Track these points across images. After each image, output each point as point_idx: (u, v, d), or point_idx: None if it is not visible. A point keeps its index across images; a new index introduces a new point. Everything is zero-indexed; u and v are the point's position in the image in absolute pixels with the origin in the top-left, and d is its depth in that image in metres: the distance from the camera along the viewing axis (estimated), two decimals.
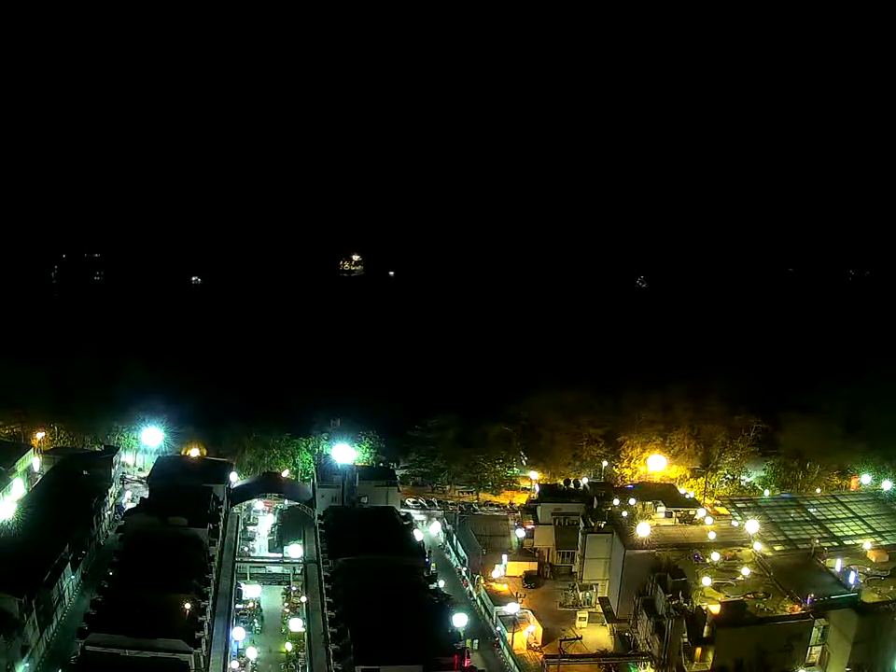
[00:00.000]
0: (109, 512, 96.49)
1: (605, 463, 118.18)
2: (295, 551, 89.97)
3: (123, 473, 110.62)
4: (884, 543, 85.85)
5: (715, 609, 70.86)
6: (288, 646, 74.22)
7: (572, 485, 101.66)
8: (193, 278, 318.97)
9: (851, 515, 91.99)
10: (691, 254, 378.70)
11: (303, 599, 79.31)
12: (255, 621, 78.41)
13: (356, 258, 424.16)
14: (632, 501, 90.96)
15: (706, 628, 67.75)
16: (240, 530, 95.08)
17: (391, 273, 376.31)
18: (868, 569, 79.88)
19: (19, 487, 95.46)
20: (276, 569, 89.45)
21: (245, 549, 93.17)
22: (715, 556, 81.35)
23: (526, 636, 78.05)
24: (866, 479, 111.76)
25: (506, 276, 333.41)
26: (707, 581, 76.20)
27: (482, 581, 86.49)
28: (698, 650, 67.52)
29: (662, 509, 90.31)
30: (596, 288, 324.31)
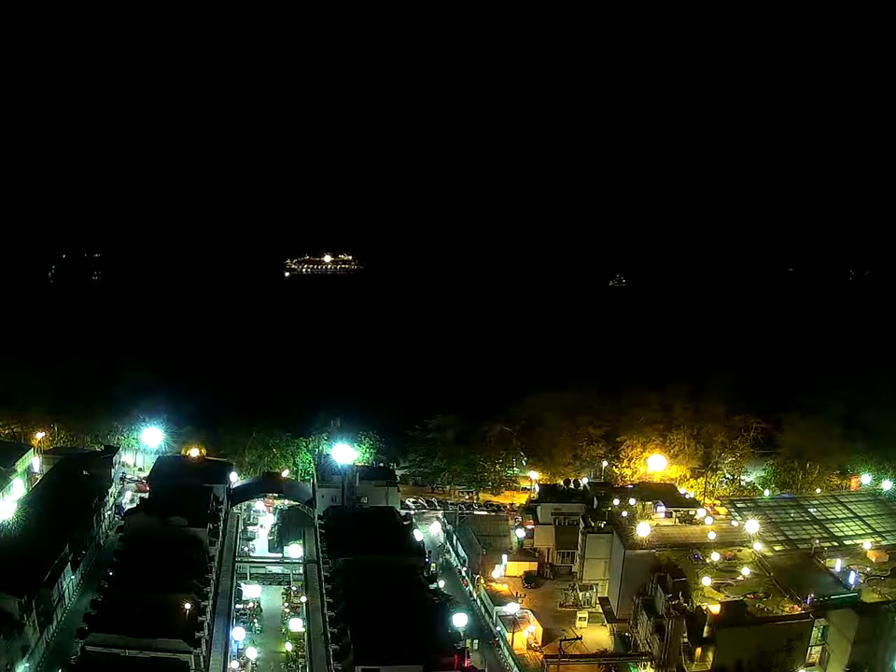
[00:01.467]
0: (109, 512, 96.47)
1: (605, 463, 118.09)
2: (295, 551, 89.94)
3: (123, 473, 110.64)
4: (884, 543, 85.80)
5: (715, 609, 70.78)
6: (288, 646, 74.19)
7: (572, 485, 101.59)
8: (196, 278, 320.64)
9: (851, 515, 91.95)
10: (691, 254, 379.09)
11: (303, 599, 79.33)
12: (255, 620, 78.40)
13: (346, 256, 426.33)
14: (632, 501, 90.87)
15: (706, 628, 67.69)
16: (240, 530, 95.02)
17: (391, 273, 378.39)
18: (868, 569, 79.86)
19: (19, 487, 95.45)
20: (276, 569, 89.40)
21: (245, 549, 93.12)
22: (715, 556, 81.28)
23: (526, 636, 78.01)
24: (866, 479, 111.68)
25: (505, 277, 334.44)
26: (706, 581, 76.15)
27: (482, 581, 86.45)
28: (698, 650, 67.47)
29: (662, 509, 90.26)
30: (596, 288, 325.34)
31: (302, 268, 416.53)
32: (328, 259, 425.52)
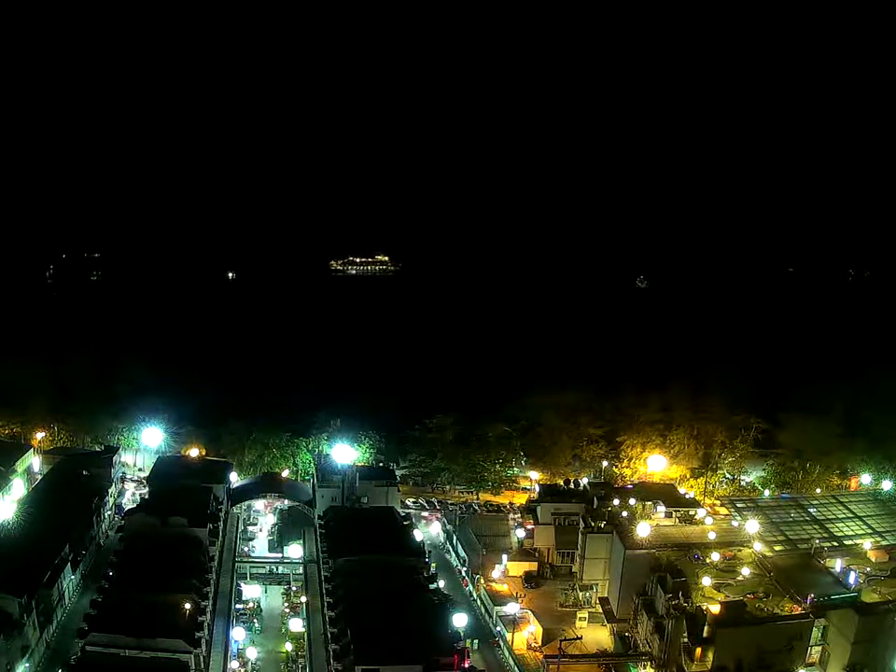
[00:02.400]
0: (109, 512, 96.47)
1: (605, 463, 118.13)
2: (295, 551, 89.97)
3: (123, 473, 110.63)
4: (884, 543, 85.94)
5: (715, 609, 70.83)
6: (288, 646, 74.19)
7: (572, 485, 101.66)
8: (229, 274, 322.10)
9: (851, 515, 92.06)
10: (690, 254, 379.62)
11: (303, 599, 79.32)
12: (255, 620, 78.35)
13: (382, 257, 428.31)
14: (632, 501, 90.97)
15: (706, 628, 67.67)
16: (240, 530, 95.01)
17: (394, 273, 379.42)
18: (868, 569, 79.91)
19: (19, 487, 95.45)
20: (276, 569, 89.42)
21: (245, 549, 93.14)
22: (715, 556, 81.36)
23: (526, 636, 78.01)
24: (866, 479, 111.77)
25: (506, 277, 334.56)
26: (706, 581, 76.22)
27: (482, 581, 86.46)
28: (698, 650, 67.44)
29: (662, 509, 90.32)
30: (596, 288, 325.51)
31: (349, 268, 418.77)
32: (357, 259, 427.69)
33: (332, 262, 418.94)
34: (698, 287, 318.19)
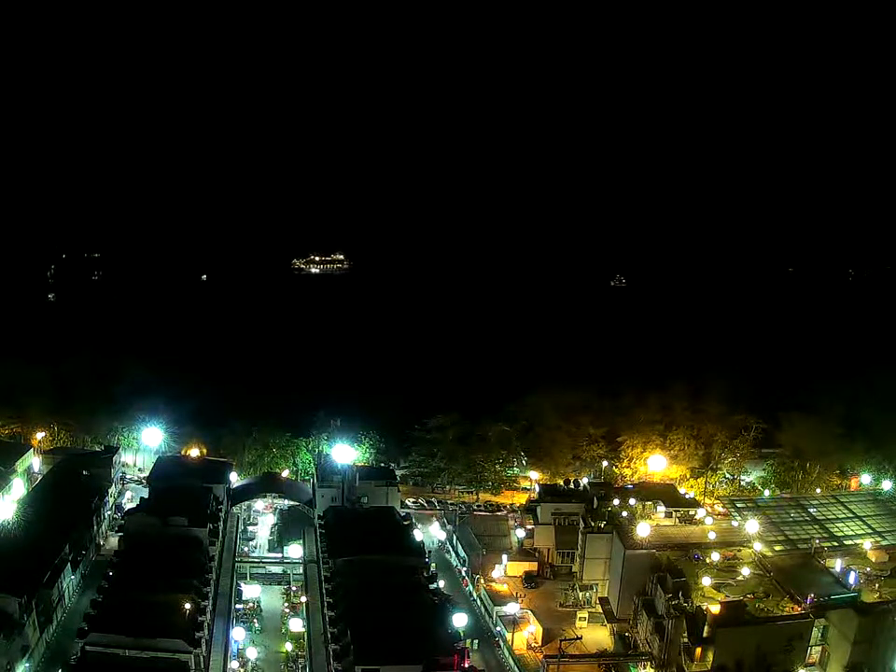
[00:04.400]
0: (109, 512, 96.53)
1: (605, 463, 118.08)
2: (295, 551, 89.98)
3: (123, 473, 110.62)
4: (884, 543, 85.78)
5: (715, 609, 70.76)
6: (288, 646, 74.20)
7: (572, 485, 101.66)
8: (202, 276, 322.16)
9: (851, 515, 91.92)
10: (690, 254, 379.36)
11: (303, 599, 79.33)
12: (255, 620, 78.34)
13: (340, 256, 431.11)
14: (632, 501, 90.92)
15: (706, 628, 67.67)
16: (240, 530, 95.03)
17: (392, 275, 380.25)
18: (868, 569, 79.86)
19: (19, 487, 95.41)
20: (276, 569, 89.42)
21: (245, 549, 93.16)
22: (715, 556, 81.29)
23: (526, 636, 78.03)
24: (866, 479, 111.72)
25: (506, 278, 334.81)
26: (706, 581, 76.15)
27: (482, 581, 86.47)
28: (698, 650, 67.44)
29: (662, 509, 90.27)
30: (597, 288, 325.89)
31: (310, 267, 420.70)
32: (317, 258, 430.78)
33: (295, 261, 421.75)
34: (697, 287, 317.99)
